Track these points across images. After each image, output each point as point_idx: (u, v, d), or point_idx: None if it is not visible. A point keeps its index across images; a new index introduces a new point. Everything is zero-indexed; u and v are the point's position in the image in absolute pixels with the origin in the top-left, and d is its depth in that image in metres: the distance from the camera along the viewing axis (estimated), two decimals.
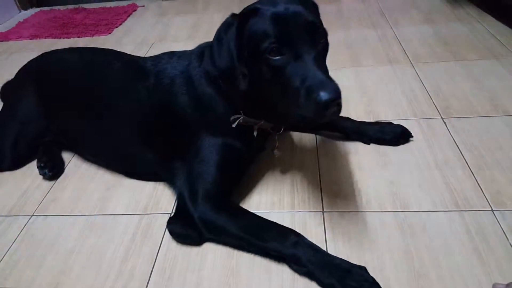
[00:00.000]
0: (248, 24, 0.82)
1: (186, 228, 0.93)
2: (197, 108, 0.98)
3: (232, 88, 0.90)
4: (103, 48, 1.30)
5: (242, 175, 1.07)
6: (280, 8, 0.80)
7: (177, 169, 1.02)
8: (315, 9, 0.90)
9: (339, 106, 0.75)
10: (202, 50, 1.01)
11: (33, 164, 1.26)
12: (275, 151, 1.09)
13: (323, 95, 0.71)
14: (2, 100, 1.51)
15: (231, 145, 0.98)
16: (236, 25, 0.82)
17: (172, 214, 1.00)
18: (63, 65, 1.22)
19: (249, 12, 0.83)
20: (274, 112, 0.91)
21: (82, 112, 1.16)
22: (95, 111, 1.13)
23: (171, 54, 1.08)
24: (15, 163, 1.25)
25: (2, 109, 1.34)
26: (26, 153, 1.25)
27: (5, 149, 1.22)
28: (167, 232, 0.97)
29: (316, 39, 0.80)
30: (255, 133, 0.99)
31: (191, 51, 1.05)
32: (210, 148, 0.97)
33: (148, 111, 1.03)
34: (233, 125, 0.95)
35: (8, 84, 1.47)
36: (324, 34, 0.84)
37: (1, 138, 1.23)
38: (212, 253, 0.91)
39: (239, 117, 0.95)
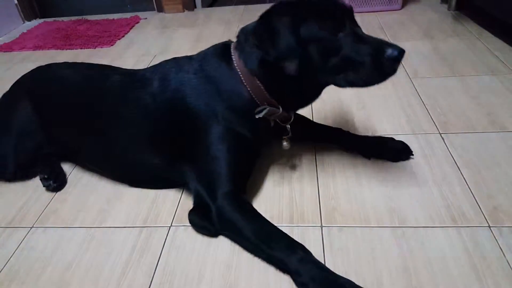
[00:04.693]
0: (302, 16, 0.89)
1: (204, 220, 0.98)
2: (212, 102, 1.00)
3: (279, 74, 0.93)
4: (98, 64, 1.32)
5: (252, 167, 1.10)
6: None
7: (189, 170, 1.04)
8: None
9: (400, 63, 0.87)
10: (220, 50, 1.05)
11: (35, 176, 1.27)
12: (285, 143, 1.11)
13: (393, 51, 0.84)
14: None
15: (242, 137, 1.02)
16: (290, 17, 0.89)
17: (192, 207, 1.02)
18: (60, 79, 1.23)
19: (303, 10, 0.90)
20: (299, 97, 1.01)
21: (83, 124, 1.17)
22: (97, 122, 1.14)
23: (173, 59, 1.11)
24: (17, 174, 1.25)
25: None
26: (27, 164, 1.25)
27: (6, 158, 1.22)
28: (166, 245, 0.98)
29: (355, 20, 0.94)
30: (272, 124, 1.05)
31: (195, 55, 1.08)
32: (221, 142, 0.99)
33: (156, 116, 1.05)
34: (257, 116, 0.99)
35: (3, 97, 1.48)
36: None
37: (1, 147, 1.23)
38: (211, 266, 0.91)
39: (265, 108, 0.99)
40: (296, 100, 1.04)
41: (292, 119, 1.08)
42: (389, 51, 0.84)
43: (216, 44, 1.08)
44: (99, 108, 1.14)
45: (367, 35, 0.90)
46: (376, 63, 0.86)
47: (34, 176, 1.26)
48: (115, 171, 1.20)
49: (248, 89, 0.99)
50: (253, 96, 0.99)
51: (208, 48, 1.08)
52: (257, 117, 0.99)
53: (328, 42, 0.89)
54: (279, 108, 1.01)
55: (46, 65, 1.34)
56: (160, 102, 1.04)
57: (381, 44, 0.86)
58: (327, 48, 0.89)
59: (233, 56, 1.01)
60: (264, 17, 0.93)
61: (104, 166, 1.22)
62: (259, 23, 0.93)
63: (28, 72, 1.32)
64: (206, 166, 1.00)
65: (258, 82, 0.98)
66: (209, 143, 1.00)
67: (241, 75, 0.99)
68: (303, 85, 0.98)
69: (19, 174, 1.25)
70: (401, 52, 0.84)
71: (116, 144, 1.12)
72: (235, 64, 1.00)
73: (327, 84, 0.99)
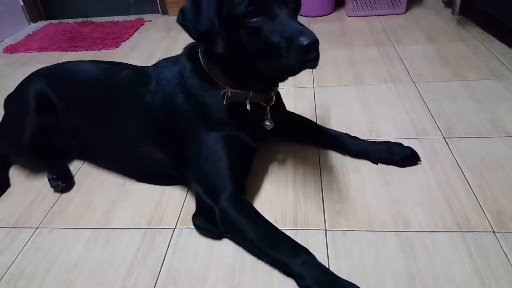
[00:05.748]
0: None
1: (208, 223, 0.98)
2: (191, 102, 1.03)
3: (212, 53, 0.95)
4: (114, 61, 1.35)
5: (249, 164, 1.11)
6: None
7: (188, 168, 1.05)
8: None
9: (317, 52, 0.83)
10: (189, 49, 1.08)
11: (40, 176, 1.28)
12: (267, 123, 1.08)
13: (303, 39, 0.79)
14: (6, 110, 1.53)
15: (230, 134, 1.03)
16: None
17: (194, 210, 1.03)
18: (76, 69, 1.27)
19: None
20: (257, 76, 0.96)
21: (93, 114, 1.20)
22: (106, 113, 1.18)
23: (168, 58, 1.14)
24: (30, 150, 1.25)
25: (12, 103, 1.33)
26: (41, 145, 1.26)
27: (22, 137, 1.22)
28: (170, 247, 0.98)
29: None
30: (248, 107, 1.02)
31: (181, 53, 1.11)
32: (211, 142, 1.01)
33: (153, 113, 1.08)
34: (224, 102, 0.99)
35: (12, 95, 1.49)
36: None
37: (17, 126, 1.24)
38: (215, 269, 0.92)
39: (226, 91, 0.99)
40: (255, 79, 1.00)
41: (274, 100, 1.07)
42: (301, 40, 0.79)
43: (187, 45, 1.11)
44: (109, 97, 1.18)
45: (289, 21, 0.84)
46: (289, 51, 0.81)
47: (45, 170, 1.27)
48: (122, 163, 1.23)
49: (214, 78, 1.01)
50: (220, 84, 1.01)
51: (183, 48, 1.11)
52: (225, 103, 0.99)
53: (243, 25, 0.86)
54: (247, 91, 1.00)
55: (64, 62, 1.38)
56: (156, 100, 1.08)
57: (296, 32, 0.81)
58: (244, 31, 0.87)
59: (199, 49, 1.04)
60: None
61: (111, 157, 1.24)
62: (187, 1, 0.92)
63: (46, 66, 1.35)
64: (200, 167, 1.02)
65: (217, 68, 1.00)
66: (199, 143, 1.02)
67: (204, 67, 1.02)
68: (252, 62, 0.93)
69: (31, 152, 1.25)
70: (312, 41, 0.79)
71: (122, 136, 1.16)
72: (200, 56, 1.03)
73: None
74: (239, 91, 1.00)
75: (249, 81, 1.00)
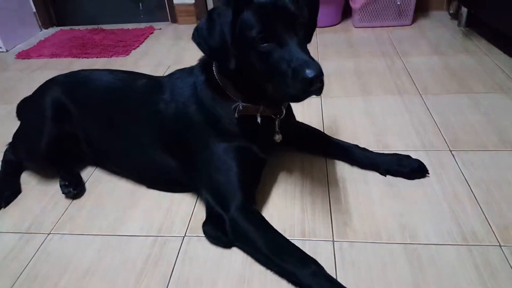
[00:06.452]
0: (242, 13, 0.90)
1: (217, 231, 1.00)
2: (203, 113, 1.06)
3: (222, 68, 1.01)
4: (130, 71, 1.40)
5: (259, 174, 1.13)
6: (267, 0, 0.90)
7: (198, 177, 1.08)
8: None
9: (322, 83, 0.85)
10: (203, 61, 1.11)
11: (51, 182, 1.30)
12: (277, 136, 1.11)
13: (308, 72, 0.81)
14: (18, 117, 1.56)
15: (241, 145, 1.06)
16: (231, 11, 0.90)
17: (204, 218, 1.05)
18: (92, 78, 1.30)
19: (244, 2, 0.91)
20: (266, 94, 0.98)
21: (107, 121, 1.23)
22: (120, 120, 1.21)
23: (182, 70, 1.17)
24: (48, 161, 1.29)
25: (29, 111, 1.37)
26: (57, 152, 1.28)
27: (38, 144, 1.24)
28: (180, 255, 1.00)
29: (297, 28, 0.90)
30: (258, 120, 1.05)
31: (195, 65, 1.14)
32: (222, 152, 1.04)
33: (166, 121, 1.11)
34: (235, 115, 1.02)
35: (25, 101, 1.52)
36: (304, 23, 0.92)
37: (34, 135, 1.27)
38: (224, 278, 0.93)
39: (238, 104, 1.02)
40: (264, 97, 1.02)
41: (284, 113, 1.10)
42: (306, 72, 0.81)
43: (202, 57, 1.13)
44: (125, 106, 1.21)
45: (297, 50, 0.86)
46: (294, 81, 0.84)
47: (58, 176, 1.28)
48: (134, 168, 1.25)
49: (226, 91, 1.04)
50: (232, 97, 1.04)
51: (198, 60, 1.13)
52: (236, 116, 1.02)
53: (253, 48, 0.89)
54: (258, 105, 1.03)
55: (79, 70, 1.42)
56: (169, 109, 1.11)
57: (302, 63, 0.83)
58: (254, 53, 0.90)
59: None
60: (208, 12, 0.95)
61: (124, 163, 1.27)
62: (202, 20, 0.96)
63: (61, 74, 1.38)
64: (211, 175, 1.04)
65: (229, 82, 1.03)
66: (210, 152, 1.05)
67: (218, 79, 1.05)
68: (260, 82, 0.97)
69: (46, 159, 1.28)
70: (316, 75, 0.81)
71: (136, 142, 1.18)
72: (214, 69, 1.06)
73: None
74: (250, 105, 1.03)
75: (259, 97, 1.03)
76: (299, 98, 0.90)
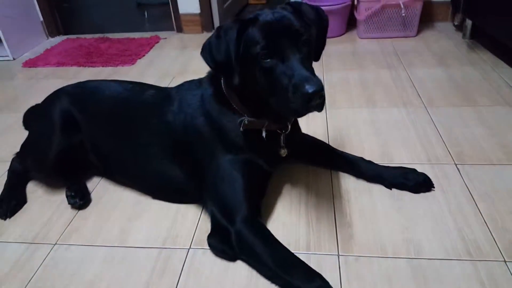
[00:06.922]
0: (247, 31, 0.93)
1: (223, 244, 1.01)
2: (210, 125, 1.07)
3: (228, 83, 1.03)
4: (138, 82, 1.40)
5: (264, 187, 1.14)
6: (272, 18, 0.93)
7: (204, 188, 1.09)
8: (309, 11, 1.00)
9: (322, 99, 0.87)
10: (212, 74, 1.12)
11: (56, 192, 1.31)
12: (282, 151, 1.13)
13: (308, 87, 0.83)
14: (25, 126, 1.58)
15: (246, 158, 1.07)
16: (237, 29, 0.92)
17: (209, 230, 1.05)
18: (101, 88, 1.32)
19: (249, 20, 0.93)
20: (270, 109, 0.99)
21: (115, 132, 1.24)
22: (128, 131, 1.22)
23: (191, 81, 1.19)
24: (56, 172, 1.30)
25: (38, 121, 1.38)
26: (65, 163, 1.29)
27: (47, 155, 1.25)
28: (185, 268, 1.00)
29: (301, 45, 0.92)
30: (264, 134, 1.06)
31: (204, 77, 1.15)
32: (228, 164, 1.05)
33: (174, 132, 1.13)
34: (241, 129, 1.04)
35: (32, 110, 1.54)
36: (309, 41, 0.94)
37: (42, 146, 1.28)
38: None
39: (243, 119, 1.03)
40: (269, 111, 1.02)
41: (289, 129, 1.11)
42: (306, 87, 0.83)
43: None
44: (133, 117, 1.22)
45: (299, 66, 0.88)
46: (295, 96, 0.86)
47: (63, 186, 1.30)
48: (141, 179, 1.26)
49: (233, 105, 1.05)
50: (239, 111, 1.05)
51: (206, 73, 1.15)
52: (241, 130, 1.04)
53: (257, 64, 0.92)
54: (262, 120, 1.05)
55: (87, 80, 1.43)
56: (177, 120, 1.12)
57: (303, 79, 0.85)
58: (257, 68, 0.92)
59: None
60: (216, 29, 0.98)
61: (130, 173, 1.27)
62: (211, 36, 0.98)
63: (69, 85, 1.40)
64: (217, 187, 1.05)
65: (236, 96, 1.05)
66: (216, 164, 1.06)
67: (225, 93, 1.06)
68: (263, 97, 0.98)
69: (54, 170, 1.29)
70: (316, 91, 0.83)
71: (142, 153, 1.19)
72: (222, 82, 1.07)
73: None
74: (255, 119, 1.04)
75: (264, 112, 1.04)
76: (299, 113, 0.92)
